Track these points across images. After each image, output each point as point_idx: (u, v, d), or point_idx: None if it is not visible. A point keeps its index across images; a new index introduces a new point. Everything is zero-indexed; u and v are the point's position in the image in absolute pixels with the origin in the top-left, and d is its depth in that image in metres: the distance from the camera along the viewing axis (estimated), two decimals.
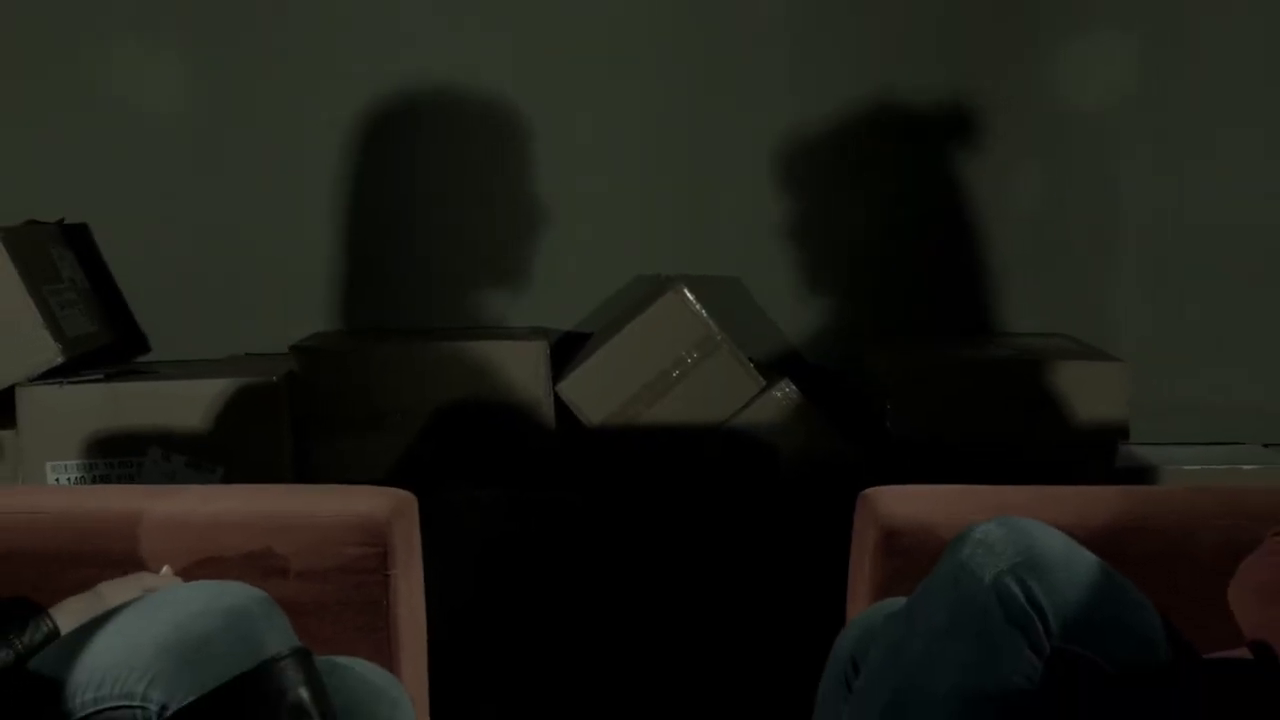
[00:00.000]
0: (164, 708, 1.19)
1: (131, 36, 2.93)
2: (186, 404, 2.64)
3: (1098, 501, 1.75)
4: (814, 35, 2.95)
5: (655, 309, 2.74)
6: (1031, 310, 3.02)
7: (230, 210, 2.95)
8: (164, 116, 2.93)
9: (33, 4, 2.90)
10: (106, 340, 2.85)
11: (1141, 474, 2.76)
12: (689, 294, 2.73)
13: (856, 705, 1.33)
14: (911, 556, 1.61)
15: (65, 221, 2.89)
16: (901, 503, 1.70)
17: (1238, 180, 2.96)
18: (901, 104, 2.96)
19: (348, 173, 2.97)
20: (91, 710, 1.22)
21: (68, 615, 1.39)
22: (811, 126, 2.96)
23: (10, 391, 2.61)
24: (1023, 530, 1.31)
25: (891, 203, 2.99)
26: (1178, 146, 2.96)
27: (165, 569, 1.54)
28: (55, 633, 1.37)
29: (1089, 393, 2.73)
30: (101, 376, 2.69)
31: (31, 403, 2.61)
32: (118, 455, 2.63)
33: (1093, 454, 2.75)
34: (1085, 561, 1.32)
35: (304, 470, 2.70)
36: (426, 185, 2.96)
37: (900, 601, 1.39)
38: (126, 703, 1.20)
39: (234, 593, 1.28)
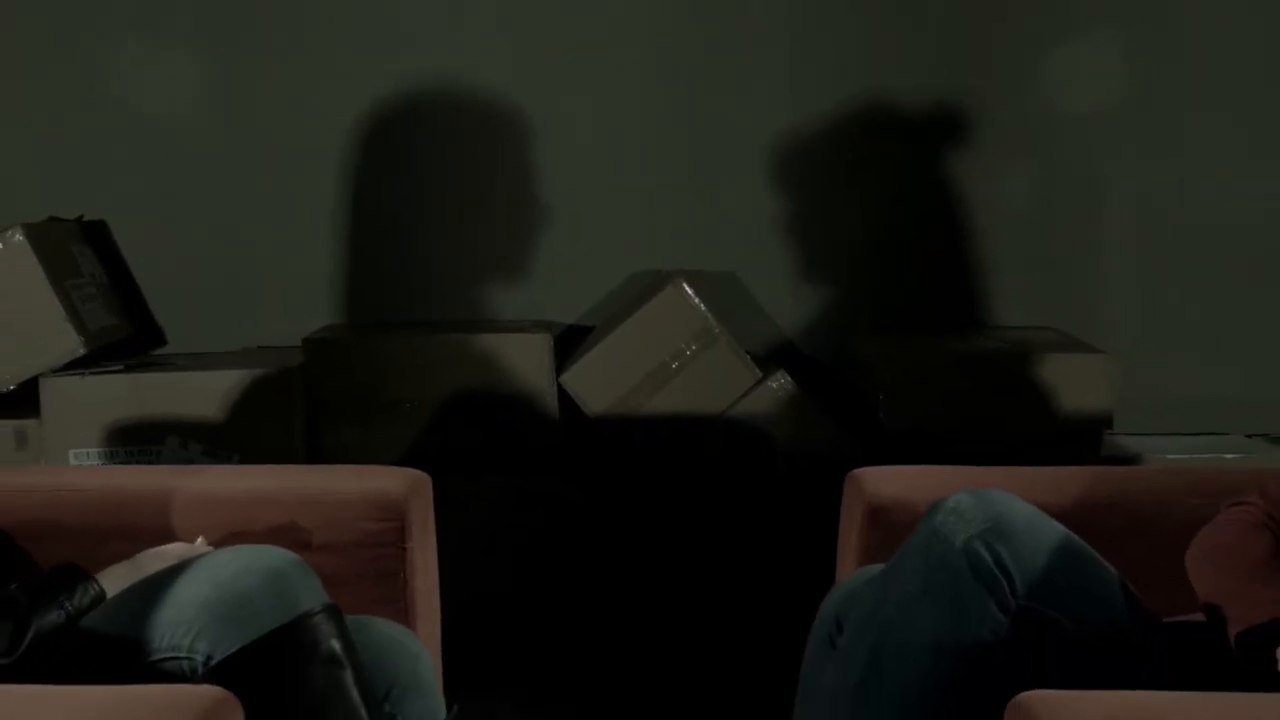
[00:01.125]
0: (209, 658, 1.32)
1: (145, 42, 3.06)
2: (203, 394, 2.77)
3: (1072, 481, 1.88)
4: (809, 38, 3.07)
5: (655, 303, 2.85)
6: (1020, 304, 3.14)
7: (243, 208, 3.08)
8: (180, 118, 3.06)
9: (52, 12, 3.02)
10: (125, 333, 2.97)
11: (1126, 463, 2.86)
12: (688, 288, 2.84)
13: (840, 658, 1.47)
14: (894, 530, 1.74)
15: (84, 219, 3.02)
16: (885, 481, 1.84)
17: (1221, 180, 3.09)
18: (895, 104, 3.08)
19: (356, 171, 3.10)
20: (144, 661, 1.35)
21: (112, 580, 1.53)
22: (807, 126, 3.09)
23: (34, 382, 2.74)
24: (991, 500, 1.44)
25: (884, 200, 3.12)
26: (1163, 148, 3.09)
27: (200, 540, 1.68)
28: (102, 596, 1.50)
29: (1075, 384, 2.86)
30: (121, 368, 2.82)
31: (55, 393, 2.74)
32: (137, 443, 2.76)
33: (1079, 443, 2.86)
34: (1050, 529, 1.46)
35: (315, 458, 2.82)
36: (432, 183, 3.09)
37: (879, 568, 1.53)
38: (174, 654, 1.34)
39: (271, 555, 1.42)
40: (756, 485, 2.82)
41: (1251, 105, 3.07)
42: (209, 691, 1.15)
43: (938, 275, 3.15)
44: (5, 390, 2.77)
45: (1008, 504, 1.45)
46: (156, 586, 1.43)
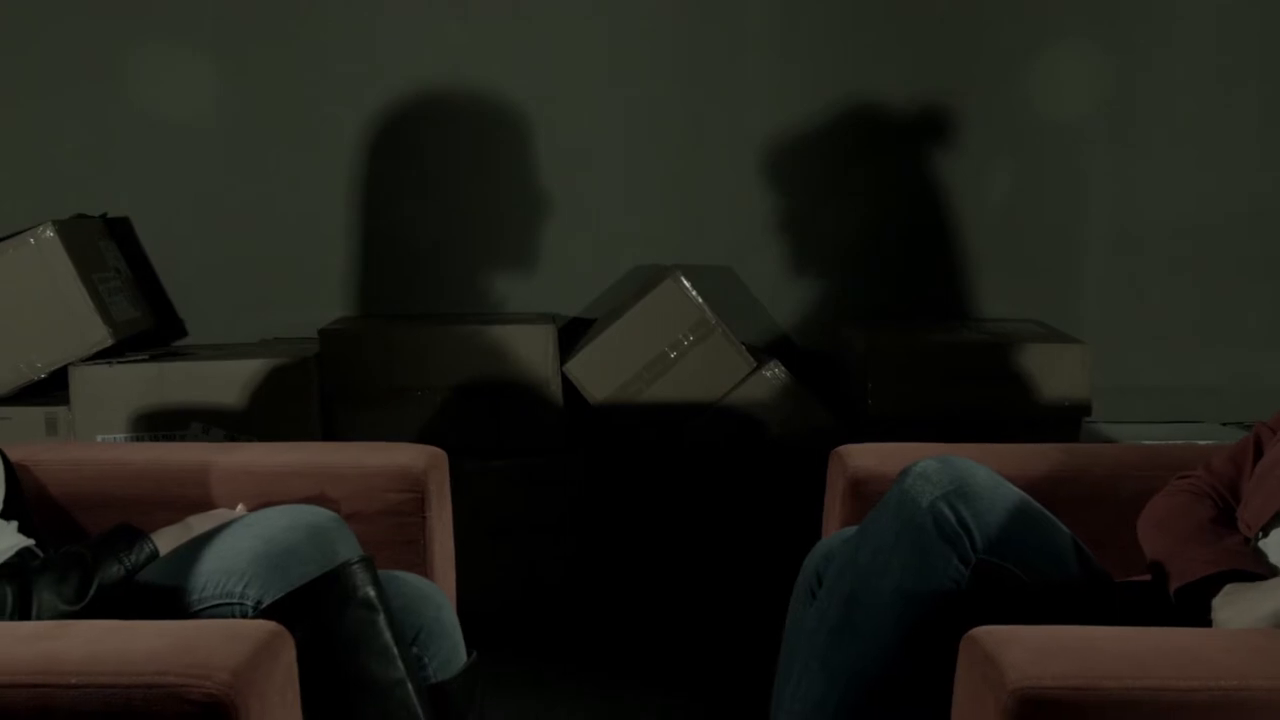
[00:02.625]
0: (258, 603, 1.51)
1: (166, 49, 3.23)
2: (225, 383, 2.94)
3: (1039, 456, 2.07)
4: (802, 44, 3.24)
5: (654, 295, 3.01)
6: (1003, 297, 3.32)
7: (259, 205, 3.26)
8: (199, 120, 3.24)
9: (77, 23, 3.20)
10: (148, 325, 3.15)
11: None
12: (685, 282, 3.00)
13: (819, 606, 1.66)
14: (872, 499, 1.93)
15: (109, 216, 3.20)
16: (865, 456, 2.03)
17: (1192, 180, 3.26)
18: (884, 107, 3.26)
19: (368, 170, 3.26)
20: (198, 608, 1.54)
21: (164, 540, 1.71)
22: (800, 128, 3.26)
23: (64, 371, 2.92)
24: (955, 465, 1.63)
25: (873, 198, 3.29)
26: (1137, 150, 3.27)
27: (240, 507, 1.86)
28: (156, 553, 1.69)
29: (1054, 373, 3.03)
30: (147, 357, 2.99)
31: (84, 381, 2.91)
32: (162, 429, 2.93)
33: (1058, 430, 3.03)
34: (1008, 492, 1.65)
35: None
36: (441, 183, 3.26)
37: (855, 529, 1.72)
38: (227, 600, 1.53)
39: (313, 513, 1.61)
40: (750, 465, 2.99)
41: (1220, 110, 3.25)
42: (265, 625, 1.34)
43: (924, 270, 3.31)
44: (37, 378, 2.94)
45: (970, 469, 1.64)
46: (207, 543, 1.61)
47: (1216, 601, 1.54)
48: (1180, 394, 3.32)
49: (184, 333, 3.28)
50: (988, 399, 3.02)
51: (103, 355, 2.95)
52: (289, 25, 3.24)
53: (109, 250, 3.13)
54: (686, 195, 3.29)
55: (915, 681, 1.55)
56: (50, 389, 2.97)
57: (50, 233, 2.91)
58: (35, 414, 2.93)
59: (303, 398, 2.98)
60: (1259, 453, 1.77)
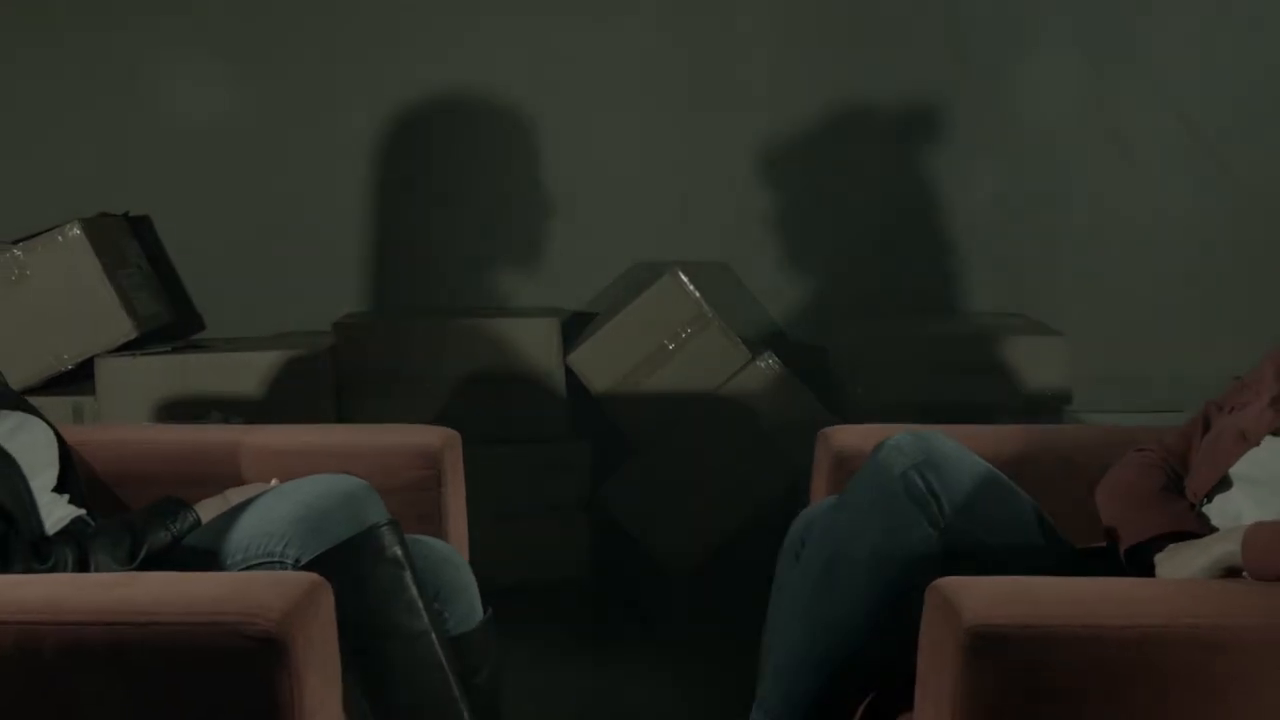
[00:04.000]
0: (297, 560, 1.71)
1: (184, 54, 3.45)
2: (243, 373, 3.14)
3: (1006, 434, 2.27)
4: (796, 51, 3.46)
5: (654, 291, 3.22)
6: (987, 292, 3.53)
7: (275, 205, 3.48)
8: (217, 123, 3.45)
9: (101, 30, 3.42)
10: (168, 319, 3.35)
11: None
12: (683, 277, 3.21)
13: (802, 566, 1.85)
14: (853, 473, 2.12)
15: (131, 214, 3.40)
16: (848, 435, 2.23)
17: (1170, 181, 3.48)
18: (875, 112, 3.48)
19: (379, 171, 3.48)
20: (242, 566, 1.74)
21: (206, 510, 1.91)
22: (793, 131, 3.48)
23: (90, 362, 3.12)
24: (926, 438, 1.83)
25: (864, 198, 3.51)
26: (1117, 152, 3.48)
27: (274, 481, 2.06)
28: (198, 521, 1.88)
29: (1035, 364, 3.23)
30: (169, 349, 3.20)
31: (109, 372, 3.11)
32: (183, 418, 3.11)
33: (1040, 419, 3.22)
34: (975, 463, 1.84)
35: None
36: (450, 183, 3.47)
37: (835, 498, 1.92)
38: (268, 559, 1.72)
39: (345, 481, 1.80)
40: (744, 450, 3.20)
41: (1195, 113, 3.46)
42: (308, 575, 1.54)
43: (911, 266, 3.53)
44: (64, 369, 3.14)
45: (939, 442, 1.83)
46: (247, 510, 1.81)
47: (1158, 558, 1.74)
48: (1156, 384, 3.51)
49: (202, 326, 3.48)
50: (972, 389, 3.22)
51: (127, 347, 3.16)
52: (303, 33, 3.45)
53: (131, 247, 3.33)
54: (685, 195, 3.50)
55: (887, 632, 1.74)
56: (77, 379, 3.17)
57: (77, 231, 3.12)
58: (63, 403, 3.11)
59: (318, 387, 3.19)
60: (1207, 427, 1.96)
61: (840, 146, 3.48)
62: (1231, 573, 1.63)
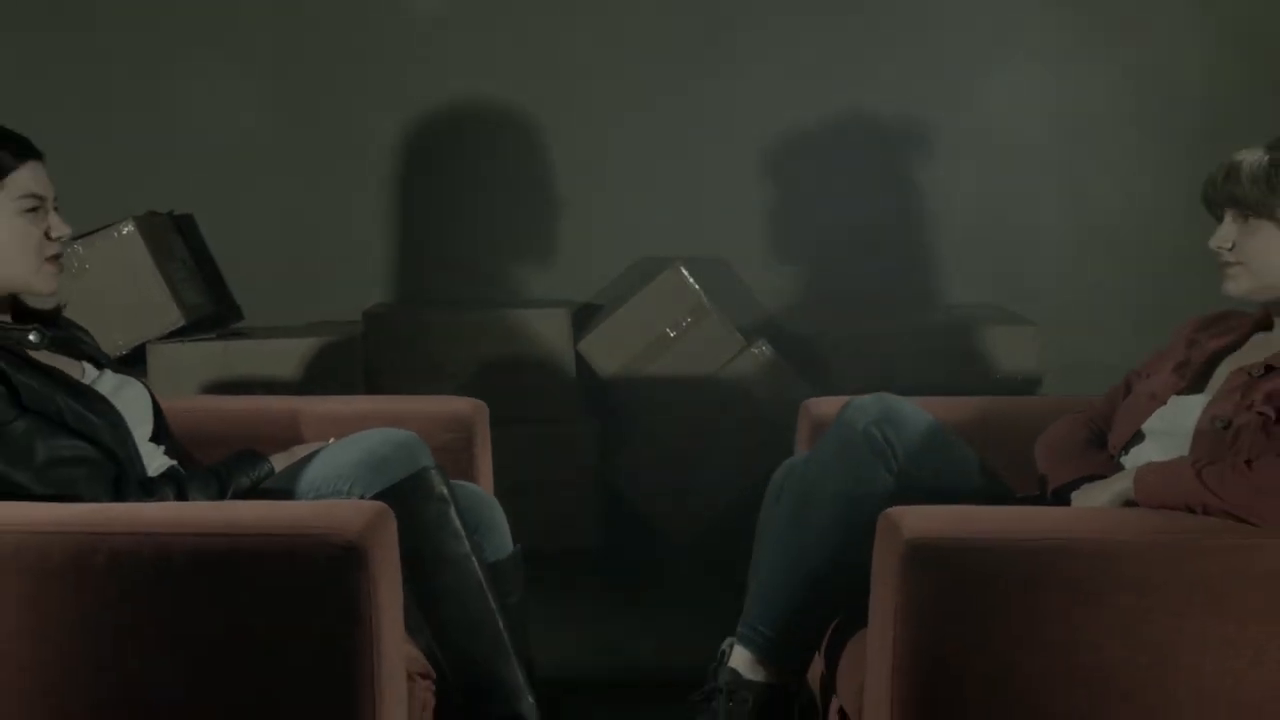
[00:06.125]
0: (361, 497, 2.14)
1: (224, 64, 3.91)
2: (281, 358, 3.58)
3: (966, 404, 2.71)
4: (792, 59, 3.89)
5: (657, 283, 3.64)
6: (965, 284, 3.96)
7: (308, 204, 3.92)
8: (255, 129, 3.91)
9: (148, 44, 3.88)
10: (211, 309, 3.77)
11: None
12: (685, 271, 3.63)
13: (780, 508, 2.29)
14: None
15: (176, 212, 3.84)
16: (825, 405, 2.66)
17: (1135, 181, 3.91)
18: (865, 117, 3.91)
19: (404, 173, 3.93)
20: (313, 499, 2.18)
21: (278, 461, 2.34)
22: (787, 135, 3.92)
23: (142, 348, 3.54)
24: (885, 399, 2.27)
25: (854, 197, 3.94)
26: (1084, 154, 3.92)
27: (331, 439, 2.49)
28: (272, 470, 2.32)
29: (1008, 351, 3.65)
30: (214, 336, 3.64)
31: (159, 356, 3.55)
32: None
33: None
34: (927, 420, 2.28)
35: None
36: (469, 184, 3.91)
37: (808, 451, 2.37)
38: (336, 496, 2.16)
39: (400, 433, 2.23)
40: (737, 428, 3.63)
41: (1160, 115, 3.90)
42: (377, 503, 1.97)
43: (895, 260, 3.97)
44: (118, 355, 3.54)
45: (897, 402, 2.27)
46: (316, 458, 2.24)
47: (1074, 494, 2.18)
48: (1120, 370, 3.90)
49: (241, 316, 3.90)
50: (950, 374, 3.62)
51: (175, 335, 3.58)
52: (333, 45, 3.91)
53: (177, 243, 3.76)
54: (686, 195, 3.94)
55: (851, 561, 2.17)
56: (129, 364, 3.58)
57: (130, 228, 3.55)
58: None
59: (349, 370, 3.62)
60: (1129, 391, 2.40)
61: (830, 152, 3.91)
62: (1130, 504, 2.07)
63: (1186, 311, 3.82)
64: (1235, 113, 3.82)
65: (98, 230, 3.56)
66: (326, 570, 1.86)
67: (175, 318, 3.58)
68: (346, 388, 3.56)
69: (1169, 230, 3.90)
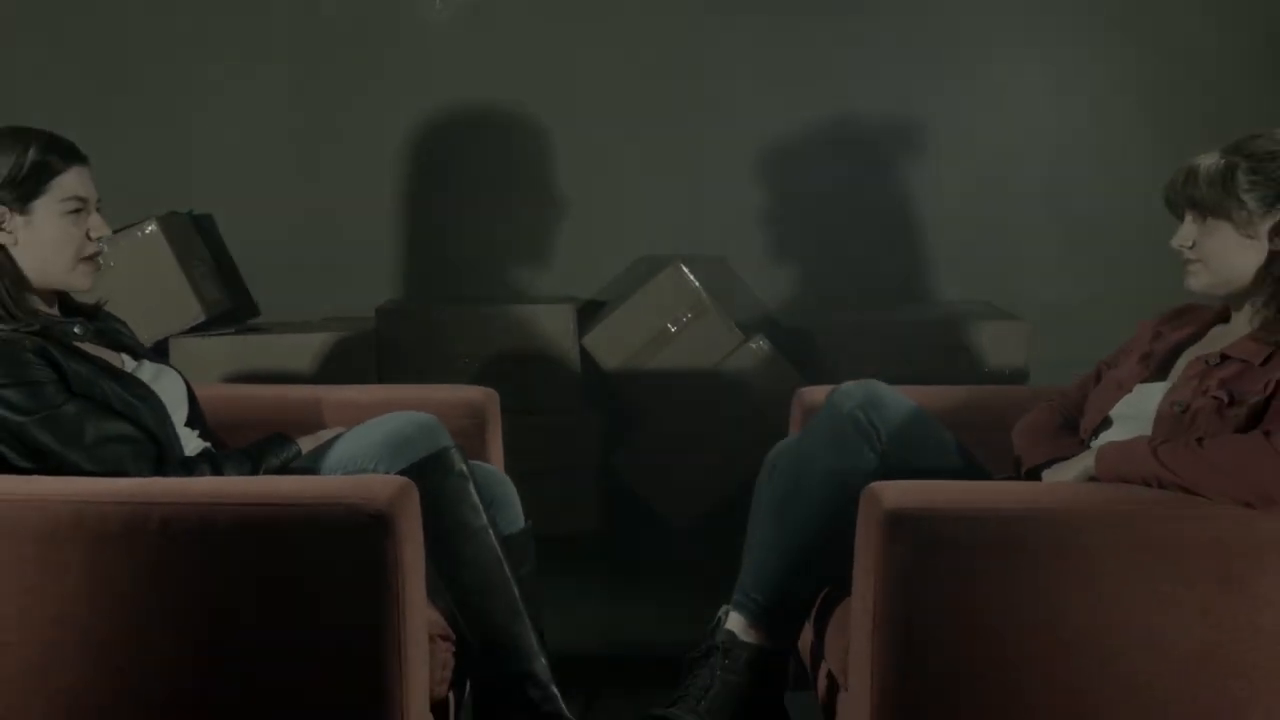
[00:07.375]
0: (386, 473, 2.37)
1: (241, 68, 4.13)
2: (297, 352, 3.79)
3: (951, 393, 2.93)
4: (789, 64, 4.11)
5: (658, 280, 3.84)
6: (957, 281, 4.17)
7: (322, 203, 4.13)
8: (271, 132, 4.12)
9: (168, 47, 4.11)
10: (229, 305, 4.00)
11: None
12: (685, 269, 3.82)
13: (772, 486, 2.52)
14: None
15: (195, 212, 4.06)
16: (816, 393, 2.88)
17: (1113, 177, 4.11)
18: (858, 120, 4.12)
19: (414, 174, 4.14)
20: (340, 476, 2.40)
21: (305, 444, 2.57)
22: (784, 137, 4.12)
23: (165, 341, 3.75)
24: (870, 384, 2.49)
25: (846, 197, 4.15)
26: (1068, 154, 4.13)
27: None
28: (299, 452, 2.54)
29: (997, 346, 3.85)
30: (233, 331, 3.86)
31: (181, 350, 3.75)
32: None
33: None
34: (909, 404, 2.50)
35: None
36: (478, 185, 4.12)
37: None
38: (362, 472, 2.38)
39: (421, 415, 2.45)
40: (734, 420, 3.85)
41: (1144, 120, 4.12)
42: (401, 479, 2.20)
43: (888, 258, 4.17)
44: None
45: (881, 388, 2.50)
46: (342, 439, 2.47)
47: (1044, 473, 2.40)
48: None
49: (257, 312, 4.12)
50: (940, 368, 3.78)
51: (196, 330, 3.80)
52: (349, 49, 4.13)
53: (196, 242, 3.98)
54: (687, 194, 4.14)
55: (837, 534, 2.38)
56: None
57: (153, 227, 3.77)
58: None
59: (362, 364, 3.82)
60: (1099, 380, 2.63)
61: (826, 153, 4.11)
62: (1093, 480, 2.30)
63: (1167, 305, 4.09)
64: (1224, 112, 3.99)
65: (122, 230, 3.76)
66: (356, 537, 2.08)
67: (196, 313, 3.80)
68: (360, 381, 3.73)
69: (1156, 228, 4.07)
